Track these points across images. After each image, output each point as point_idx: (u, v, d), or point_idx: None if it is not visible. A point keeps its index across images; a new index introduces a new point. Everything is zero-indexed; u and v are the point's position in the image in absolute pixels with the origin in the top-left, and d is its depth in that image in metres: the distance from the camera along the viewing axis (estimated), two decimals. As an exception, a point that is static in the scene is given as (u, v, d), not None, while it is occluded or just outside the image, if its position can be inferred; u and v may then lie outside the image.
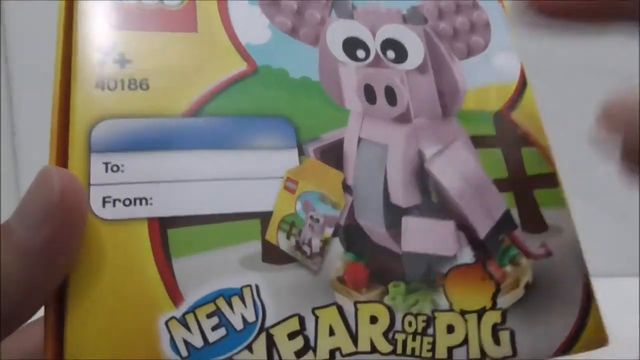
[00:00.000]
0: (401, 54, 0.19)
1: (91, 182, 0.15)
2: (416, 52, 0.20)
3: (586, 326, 0.18)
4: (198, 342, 0.14)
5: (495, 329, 0.17)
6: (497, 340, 0.17)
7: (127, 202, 0.15)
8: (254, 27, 0.18)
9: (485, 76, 0.20)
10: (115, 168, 0.15)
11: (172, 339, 0.14)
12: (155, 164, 0.16)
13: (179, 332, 0.14)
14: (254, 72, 0.18)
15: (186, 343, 0.14)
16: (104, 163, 0.15)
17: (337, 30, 0.19)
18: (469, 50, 0.20)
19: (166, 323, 0.14)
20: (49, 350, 0.14)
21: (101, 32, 0.17)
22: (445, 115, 0.19)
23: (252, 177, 0.16)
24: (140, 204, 0.15)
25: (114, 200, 0.15)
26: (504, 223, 0.18)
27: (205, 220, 0.16)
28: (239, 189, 0.16)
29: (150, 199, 0.15)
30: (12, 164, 0.40)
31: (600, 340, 0.18)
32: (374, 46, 0.19)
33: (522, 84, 0.21)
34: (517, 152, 0.20)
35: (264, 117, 0.17)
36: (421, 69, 0.19)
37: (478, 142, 0.19)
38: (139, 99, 0.16)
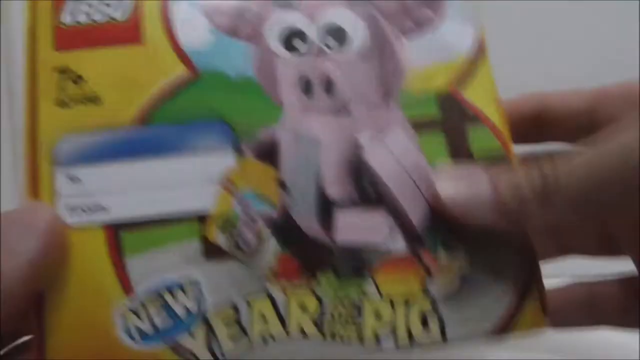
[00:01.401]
0: (341, 40, 0.20)
1: (57, 193, 0.18)
2: (357, 36, 0.20)
3: (523, 310, 0.18)
4: (148, 328, 0.17)
5: (424, 315, 0.18)
6: (426, 326, 0.18)
7: (85, 210, 0.18)
8: (196, 31, 0.19)
9: (434, 53, 0.20)
10: (75, 179, 0.18)
11: (125, 326, 0.17)
12: (108, 175, 0.18)
13: (132, 320, 0.17)
14: (196, 77, 0.19)
15: (138, 330, 0.17)
16: (67, 176, 0.18)
17: (276, 22, 0.20)
18: (417, 26, 0.20)
19: (121, 312, 0.17)
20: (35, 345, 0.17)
21: (58, 52, 0.19)
22: (386, 100, 0.20)
23: (193, 180, 0.18)
24: (97, 211, 0.18)
25: (76, 209, 0.18)
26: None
27: (153, 223, 0.18)
28: (182, 192, 0.18)
29: (105, 206, 0.18)
30: (12, 164, 0.40)
31: (537, 324, 0.19)
32: (314, 34, 0.20)
33: (478, 56, 0.20)
34: (462, 133, 0.20)
35: (204, 122, 0.19)
36: (362, 54, 0.20)
37: (419, 125, 0.20)
38: (93, 114, 0.18)
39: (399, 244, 0.19)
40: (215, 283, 0.18)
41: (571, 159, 0.17)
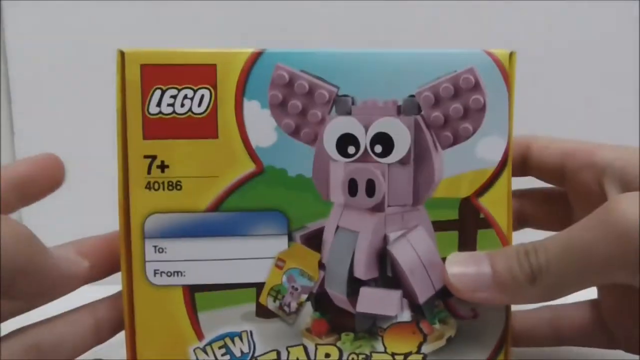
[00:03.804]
0: (388, 148, 0.23)
1: (146, 259, 0.23)
2: (402, 145, 0.23)
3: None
4: (213, 363, 0.24)
5: (416, 367, 0.25)
6: (417, 374, 0.25)
7: (169, 274, 0.23)
8: (263, 130, 0.23)
9: (464, 164, 0.24)
10: (160, 250, 0.23)
11: (197, 360, 0.24)
12: (187, 248, 0.23)
13: (201, 356, 0.24)
14: (261, 172, 0.23)
15: (205, 363, 0.24)
16: (153, 246, 0.23)
17: (333, 128, 0.23)
18: (455, 139, 0.24)
19: (194, 350, 0.24)
20: None
21: (145, 141, 0.22)
22: (415, 204, 0.24)
23: (253, 257, 0.23)
24: (177, 275, 0.23)
25: (161, 272, 0.23)
26: (443, 292, 0.24)
27: (220, 287, 0.23)
28: (243, 266, 0.23)
29: (184, 272, 0.23)
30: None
31: None
32: (364, 141, 0.23)
33: (501, 167, 0.24)
34: (473, 234, 0.24)
35: (265, 211, 0.23)
36: (403, 161, 0.23)
37: (439, 226, 0.24)
38: (175, 198, 0.23)
39: (405, 315, 0.24)
40: (264, 335, 0.24)
41: (552, 244, 0.21)
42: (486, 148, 0.24)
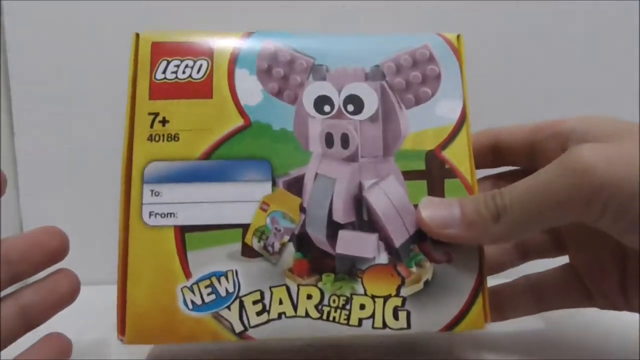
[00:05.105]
0: (358, 107, 0.27)
1: (143, 202, 0.25)
2: (371, 105, 0.27)
3: (469, 313, 0.25)
4: (199, 301, 0.25)
5: (395, 310, 0.25)
6: (396, 317, 0.25)
7: (162, 215, 0.25)
8: (251, 91, 0.27)
9: (426, 122, 0.27)
10: (156, 193, 0.26)
11: (184, 299, 0.25)
12: (180, 192, 0.26)
13: (188, 295, 0.25)
14: (249, 125, 0.26)
15: (192, 302, 0.25)
16: (150, 190, 0.26)
17: (311, 91, 0.27)
18: (416, 100, 0.27)
19: (181, 289, 0.25)
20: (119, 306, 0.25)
21: (151, 101, 0.26)
22: (386, 155, 0.27)
23: (240, 200, 0.26)
24: (170, 217, 0.25)
25: (155, 214, 0.25)
26: (417, 236, 0.26)
27: (208, 228, 0.25)
28: (230, 208, 0.26)
29: (176, 213, 0.25)
30: (12, 163, 0.40)
31: (478, 324, 0.25)
32: (338, 101, 0.27)
33: (460, 123, 0.27)
34: (440, 183, 0.27)
35: (251, 159, 0.26)
36: (372, 119, 0.27)
37: (409, 175, 0.27)
38: (173, 148, 0.26)
39: (383, 258, 0.26)
40: (249, 275, 0.25)
41: (516, 187, 0.23)
42: (445, 108, 0.27)
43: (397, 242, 0.26)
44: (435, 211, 0.25)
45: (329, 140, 0.27)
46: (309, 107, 0.27)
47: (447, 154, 0.27)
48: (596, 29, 0.42)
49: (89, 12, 0.40)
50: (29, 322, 0.24)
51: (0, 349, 0.23)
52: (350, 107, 0.27)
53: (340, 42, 0.28)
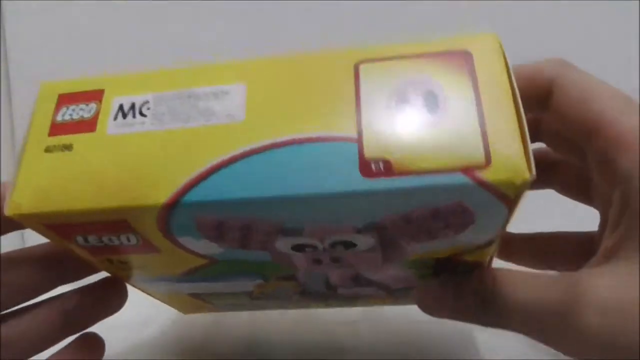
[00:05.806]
0: (349, 246, 0.21)
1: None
2: (364, 245, 0.21)
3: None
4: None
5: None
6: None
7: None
8: (207, 248, 0.21)
9: (442, 246, 0.21)
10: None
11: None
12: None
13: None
14: (216, 262, 0.22)
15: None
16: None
17: (285, 245, 0.20)
18: (432, 238, 0.20)
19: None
20: None
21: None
22: (386, 264, 0.23)
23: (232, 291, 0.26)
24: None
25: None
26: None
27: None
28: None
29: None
30: (12, 164, 0.39)
31: None
32: (322, 246, 0.21)
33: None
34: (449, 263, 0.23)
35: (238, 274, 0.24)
36: (369, 251, 0.21)
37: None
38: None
39: (381, 293, 0.27)
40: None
41: None
42: (468, 237, 0.20)
43: (394, 287, 0.26)
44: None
45: (317, 263, 0.23)
46: (287, 251, 0.21)
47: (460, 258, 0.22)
48: (596, 29, 0.42)
49: (90, 12, 0.41)
50: (71, 326, 0.24)
51: (41, 350, 0.23)
52: (340, 248, 0.21)
53: (313, 205, 0.18)
